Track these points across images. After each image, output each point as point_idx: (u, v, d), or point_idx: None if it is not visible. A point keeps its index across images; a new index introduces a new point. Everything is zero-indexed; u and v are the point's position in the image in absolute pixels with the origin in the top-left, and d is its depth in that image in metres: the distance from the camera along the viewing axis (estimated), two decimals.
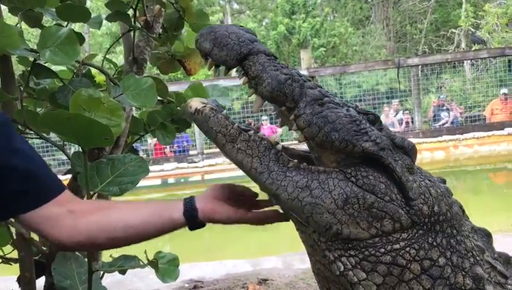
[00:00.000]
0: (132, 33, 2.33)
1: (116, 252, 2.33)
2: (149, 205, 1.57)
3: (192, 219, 1.47)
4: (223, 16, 26.85)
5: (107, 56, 2.91)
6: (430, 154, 14.12)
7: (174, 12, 2.74)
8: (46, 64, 1.96)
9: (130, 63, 2.38)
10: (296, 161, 1.42)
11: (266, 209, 1.57)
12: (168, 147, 15.96)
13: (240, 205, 1.52)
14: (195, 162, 14.66)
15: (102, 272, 2.16)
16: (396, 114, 16.64)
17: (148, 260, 2.47)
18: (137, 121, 2.64)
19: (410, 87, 17.73)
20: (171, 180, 14.67)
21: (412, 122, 15.92)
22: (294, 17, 25.93)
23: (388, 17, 30.00)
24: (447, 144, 14.24)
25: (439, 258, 1.42)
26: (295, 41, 25.65)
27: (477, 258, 1.51)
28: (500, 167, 13.36)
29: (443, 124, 16.22)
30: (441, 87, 20.65)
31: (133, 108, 2.52)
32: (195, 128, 15.57)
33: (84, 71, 2.52)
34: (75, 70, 2.31)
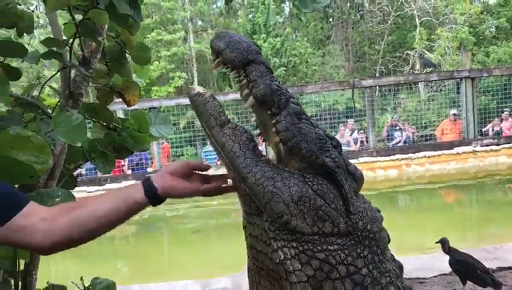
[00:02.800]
0: (69, 69, 2.43)
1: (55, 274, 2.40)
2: (111, 194, 1.67)
3: (153, 197, 1.59)
4: (186, 33, 26.81)
5: (54, 85, 3.00)
6: (384, 172, 14.57)
7: (115, 46, 2.85)
8: None
9: (67, 98, 2.46)
10: (268, 157, 1.64)
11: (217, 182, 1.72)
12: (126, 164, 15.85)
13: (194, 180, 1.67)
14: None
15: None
16: (352, 133, 17.03)
17: (84, 286, 2.54)
18: (77, 150, 2.71)
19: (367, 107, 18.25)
20: None
21: (367, 141, 16.35)
22: (256, 37, 26.22)
23: (347, 38, 30.73)
24: (400, 162, 14.72)
25: (362, 268, 1.61)
26: None
27: (392, 279, 1.71)
28: (450, 185, 13.86)
29: (396, 143, 16.72)
30: (396, 107, 21.29)
31: None
32: (153, 149, 15.57)
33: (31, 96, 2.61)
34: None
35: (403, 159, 14.73)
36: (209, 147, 16.95)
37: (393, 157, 14.75)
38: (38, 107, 2.46)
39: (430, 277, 5.51)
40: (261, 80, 1.61)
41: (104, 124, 2.86)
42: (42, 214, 1.54)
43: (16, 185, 1.87)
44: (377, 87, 20.03)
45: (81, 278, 2.60)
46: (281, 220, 1.55)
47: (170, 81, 25.55)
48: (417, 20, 26.48)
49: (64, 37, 2.54)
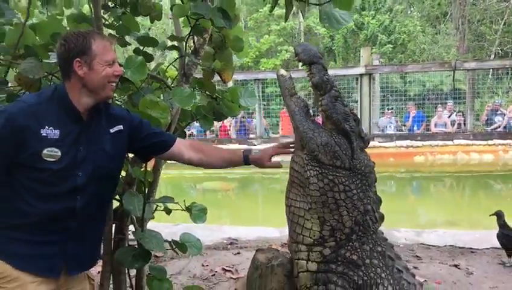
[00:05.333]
0: (184, 57, 3.55)
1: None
2: (228, 151, 3.01)
3: (246, 162, 2.83)
4: (296, 8, 27.47)
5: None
6: (479, 156, 14.51)
7: (218, 37, 3.92)
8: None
9: (182, 76, 3.59)
10: (314, 118, 2.78)
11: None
12: (232, 128, 17.44)
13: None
14: (254, 145, 16.07)
15: (154, 205, 3.41)
16: (451, 115, 16.91)
17: (185, 206, 3.67)
18: (187, 112, 3.82)
19: (479, 89, 17.90)
20: None
21: (464, 124, 16.20)
22: (364, 13, 26.24)
23: (464, 16, 29.35)
24: (497, 147, 14.56)
25: (353, 189, 2.60)
26: (362, 37, 26.10)
27: (371, 203, 2.67)
28: None
29: (495, 128, 16.34)
30: (509, 91, 20.45)
31: None
32: (256, 116, 16.94)
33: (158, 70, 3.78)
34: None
35: (500, 144, 14.54)
36: None
37: (490, 142, 14.61)
38: (162, 80, 3.64)
39: (482, 249, 6.07)
40: (317, 74, 2.67)
41: (208, 94, 3.96)
42: (187, 145, 2.82)
43: None
44: (491, 70, 19.41)
45: (184, 201, 3.75)
46: (313, 154, 2.60)
47: (278, 54, 26.61)
48: None
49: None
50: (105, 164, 2.42)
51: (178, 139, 2.79)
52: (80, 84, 2.31)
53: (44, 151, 2.21)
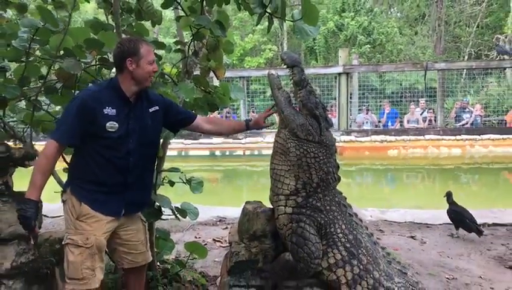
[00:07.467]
0: (187, 58, 4.41)
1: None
2: (233, 121, 4.54)
3: (248, 127, 3.69)
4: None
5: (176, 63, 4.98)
6: (448, 150, 15.64)
7: (213, 41, 4.77)
8: None
9: (184, 73, 4.43)
10: (295, 105, 3.56)
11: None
12: None
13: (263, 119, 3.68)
14: (239, 139, 16.93)
15: (163, 175, 4.25)
16: (423, 112, 18.03)
17: (186, 179, 4.52)
18: (186, 103, 4.68)
19: (452, 88, 19.00)
20: (217, 152, 17.12)
21: (435, 120, 17.33)
22: (344, 15, 27.20)
23: (441, 18, 30.58)
24: (464, 142, 15.71)
25: (320, 156, 3.37)
26: (342, 37, 27.11)
27: (332, 167, 3.46)
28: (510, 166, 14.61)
29: (463, 125, 17.49)
30: (480, 91, 21.57)
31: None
32: (241, 112, 17.80)
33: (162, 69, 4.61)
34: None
35: (467, 139, 15.69)
36: None
37: (458, 137, 15.73)
38: (170, 77, 4.49)
39: (437, 224, 7.07)
40: (298, 74, 3.43)
41: (203, 88, 4.80)
42: (204, 120, 3.65)
43: None
44: (464, 70, 20.55)
45: (185, 175, 4.59)
46: (293, 131, 3.36)
47: (261, 53, 27.46)
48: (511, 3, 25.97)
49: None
50: (147, 134, 3.28)
51: (198, 115, 3.70)
52: (130, 76, 3.16)
53: (107, 124, 3.07)
